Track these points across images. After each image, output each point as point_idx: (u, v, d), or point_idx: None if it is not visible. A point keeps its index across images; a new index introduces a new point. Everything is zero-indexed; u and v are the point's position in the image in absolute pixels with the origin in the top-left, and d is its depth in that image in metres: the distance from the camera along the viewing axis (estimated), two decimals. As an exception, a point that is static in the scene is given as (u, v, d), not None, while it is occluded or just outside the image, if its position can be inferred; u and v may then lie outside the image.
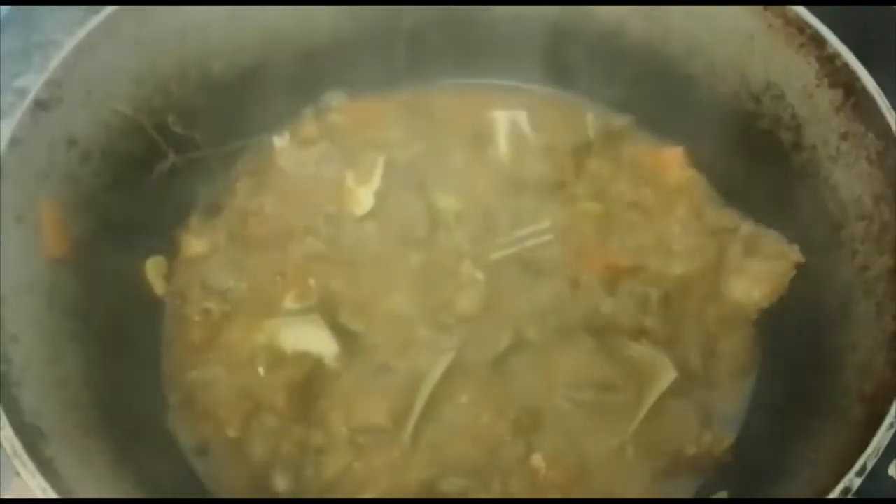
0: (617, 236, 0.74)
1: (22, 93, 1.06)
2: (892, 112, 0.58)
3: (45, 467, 0.46)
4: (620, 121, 0.80)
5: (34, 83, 1.03)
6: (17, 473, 0.44)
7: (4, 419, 0.46)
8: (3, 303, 0.54)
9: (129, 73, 0.69)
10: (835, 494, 0.44)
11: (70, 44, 0.64)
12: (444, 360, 0.66)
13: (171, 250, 0.75)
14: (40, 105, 0.61)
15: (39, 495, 0.44)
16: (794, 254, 0.66)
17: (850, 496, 0.43)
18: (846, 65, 0.62)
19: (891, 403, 0.46)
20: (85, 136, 0.66)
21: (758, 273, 0.68)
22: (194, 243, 0.75)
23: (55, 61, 0.63)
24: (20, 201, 0.59)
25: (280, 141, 0.81)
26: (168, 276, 0.74)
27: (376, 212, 0.76)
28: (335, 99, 0.84)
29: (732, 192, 0.76)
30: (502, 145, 0.80)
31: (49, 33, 1.11)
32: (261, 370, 0.68)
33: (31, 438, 0.47)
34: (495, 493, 0.61)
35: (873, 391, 0.50)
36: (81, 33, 0.64)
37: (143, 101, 0.71)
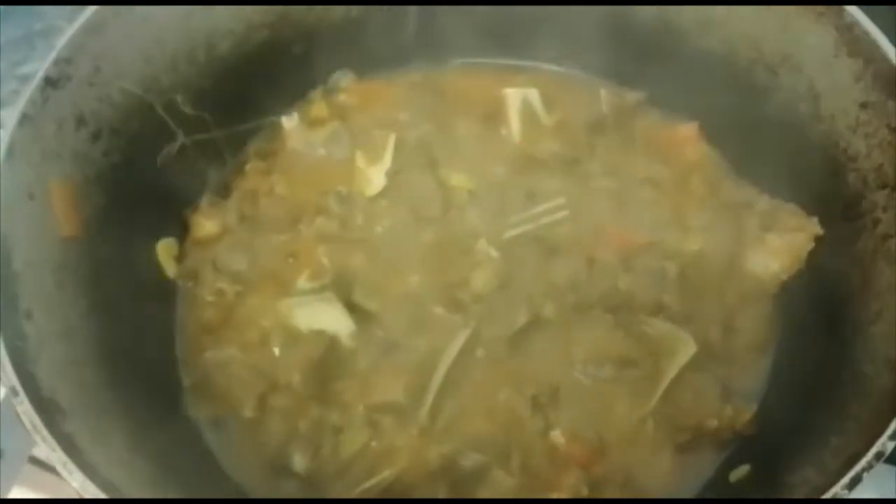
0: (632, 213, 0.73)
1: (25, 80, 1.05)
2: (914, 79, 0.58)
3: (66, 442, 0.45)
4: (634, 96, 0.79)
5: (38, 70, 1.03)
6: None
7: (23, 394, 0.46)
8: (17, 279, 0.54)
9: (138, 52, 0.68)
10: (868, 457, 0.43)
11: (78, 22, 0.63)
12: (461, 338, 0.66)
13: (181, 232, 0.74)
14: (50, 83, 0.61)
15: (58, 468, 0.43)
16: (813, 226, 0.66)
17: (882, 461, 0.43)
18: (866, 33, 0.61)
19: (921, 368, 0.46)
20: (94, 115, 0.65)
21: (776, 246, 0.67)
22: (205, 224, 0.75)
23: (63, 39, 0.62)
24: (31, 179, 0.59)
25: (289, 122, 0.80)
26: (179, 258, 0.74)
27: (388, 191, 0.75)
28: (344, 79, 0.83)
29: (748, 167, 0.75)
30: (514, 123, 0.79)
31: (52, 20, 1.10)
32: (276, 350, 0.67)
33: (50, 414, 0.47)
34: (514, 469, 0.61)
35: (901, 358, 0.49)
36: (89, 11, 0.64)
37: (151, 81, 0.70)
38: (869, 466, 0.43)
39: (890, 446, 0.43)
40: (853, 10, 0.62)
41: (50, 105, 0.61)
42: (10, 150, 0.57)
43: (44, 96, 0.60)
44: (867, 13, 0.62)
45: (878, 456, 0.43)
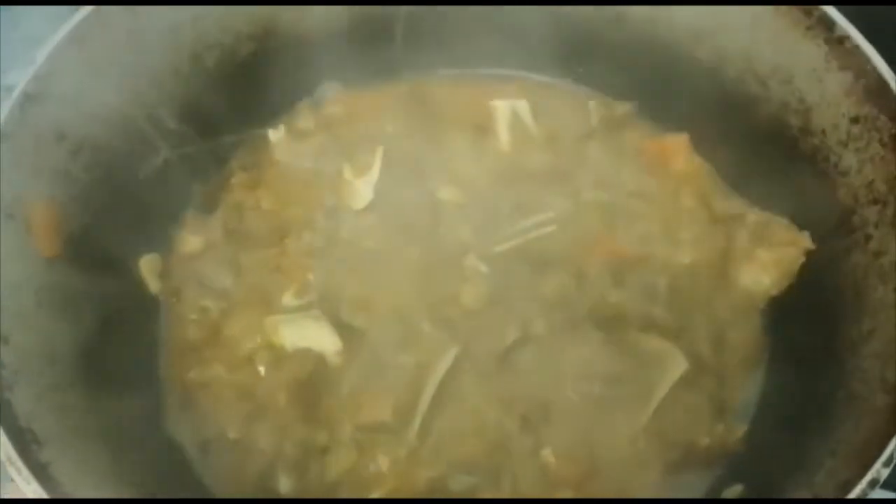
0: (622, 226, 0.73)
1: (8, 90, 1.04)
2: (905, 94, 0.57)
3: (41, 473, 0.44)
4: (623, 108, 0.79)
5: (20, 80, 1.01)
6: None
7: (-3, 425, 0.44)
8: (-6, 302, 0.52)
9: (121, 67, 0.67)
10: (862, 485, 0.42)
11: (59, 35, 0.62)
12: (450, 355, 0.65)
13: (165, 247, 0.73)
14: (29, 98, 0.60)
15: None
16: (804, 240, 0.65)
17: (877, 487, 0.42)
18: (857, 47, 0.61)
19: (915, 391, 0.45)
20: (75, 131, 0.64)
21: (767, 260, 0.67)
22: (189, 240, 0.74)
23: (43, 53, 0.61)
24: (10, 198, 0.57)
25: (275, 134, 0.79)
26: (163, 274, 0.72)
27: (376, 205, 0.74)
28: (331, 91, 0.82)
29: (739, 180, 0.74)
30: (503, 135, 0.78)
31: (33, 29, 1.09)
32: (261, 369, 0.66)
33: (25, 444, 0.45)
34: (505, 491, 0.60)
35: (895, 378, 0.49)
36: (71, 24, 0.63)
37: (135, 95, 0.69)
38: (864, 495, 0.42)
39: (885, 473, 0.43)
40: (844, 24, 0.62)
41: (29, 121, 0.60)
42: (-12, 170, 0.55)
43: (22, 112, 0.59)
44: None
45: (873, 483, 0.42)
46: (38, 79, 0.60)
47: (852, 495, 0.42)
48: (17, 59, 1.04)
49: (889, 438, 0.44)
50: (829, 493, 0.44)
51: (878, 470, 0.43)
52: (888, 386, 0.49)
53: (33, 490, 0.43)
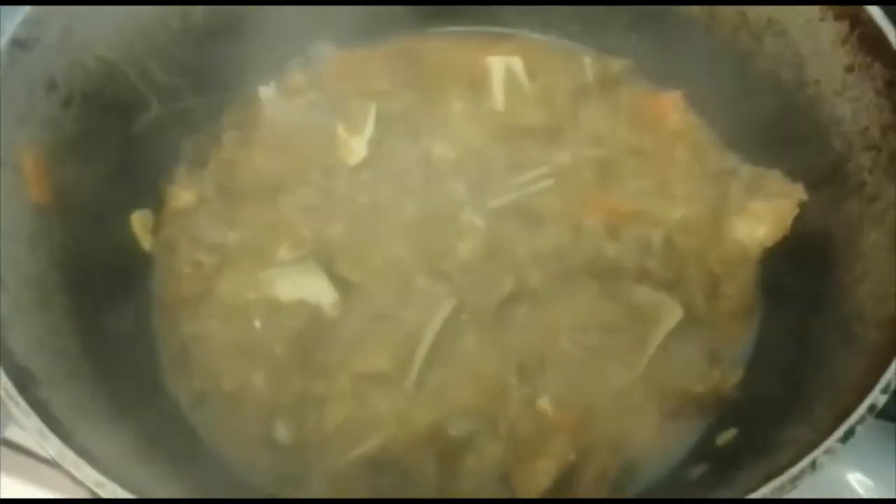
0: (617, 181, 0.73)
1: None
2: (900, 42, 0.57)
3: (40, 409, 0.44)
4: (618, 64, 0.79)
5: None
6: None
7: (-5, 361, 0.44)
8: (-12, 247, 0.52)
9: (110, 17, 0.66)
10: (861, 411, 0.43)
11: (47, -18, 0.61)
12: (446, 308, 0.65)
13: (157, 203, 0.73)
14: (18, 44, 0.58)
15: (36, 441, 0.42)
16: (798, 192, 0.66)
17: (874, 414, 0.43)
18: (851, -5, 0.61)
19: (910, 324, 0.46)
20: (66, 80, 0.63)
21: (760, 212, 0.67)
22: (181, 195, 0.73)
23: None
24: (1, 144, 0.56)
25: (266, 91, 0.78)
26: (155, 230, 0.72)
27: (370, 161, 0.74)
28: (324, 50, 0.81)
29: (733, 134, 0.75)
30: (497, 92, 0.78)
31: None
32: (257, 322, 0.66)
33: (23, 380, 0.45)
34: (502, 436, 0.60)
35: (891, 315, 0.49)
36: (58, -28, 0.61)
37: (125, 47, 0.68)
38: (862, 419, 0.43)
39: (882, 399, 0.43)
40: (839, -27, 0.62)
41: (19, 68, 0.58)
42: (-22, 115, 0.54)
43: (12, 58, 0.58)
44: None
45: (871, 409, 0.43)
46: (27, 24, 0.59)
47: (851, 421, 0.43)
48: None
49: (885, 368, 0.44)
50: (828, 424, 0.44)
51: (877, 396, 0.43)
52: (882, 323, 0.50)
53: (33, 424, 0.42)
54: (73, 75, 0.63)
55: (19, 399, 0.43)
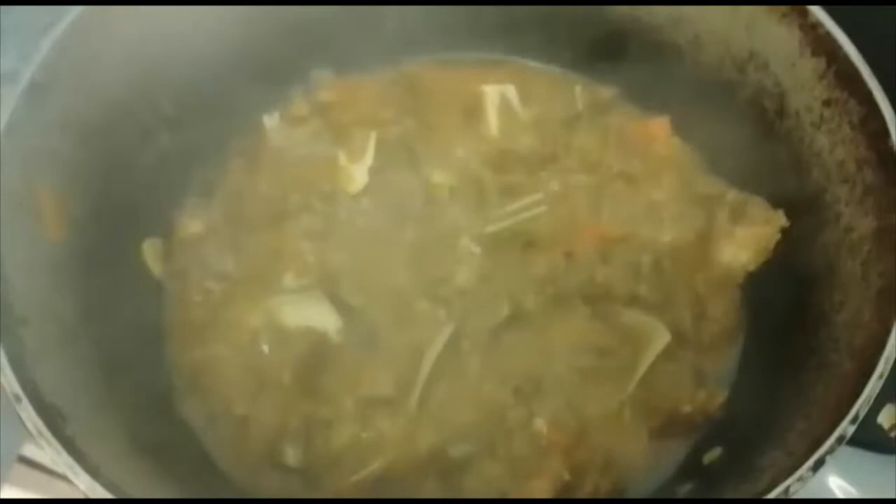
0: (608, 206, 0.76)
1: (5, 77, 1.05)
2: (874, 79, 0.60)
3: (69, 446, 0.47)
4: (608, 92, 0.81)
5: (13, 66, 1.02)
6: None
7: (26, 400, 0.47)
8: (11, 286, 0.54)
9: (120, 55, 0.69)
10: (830, 441, 0.46)
11: (61, 26, 0.63)
12: (446, 332, 0.68)
13: (167, 232, 0.75)
14: (35, 88, 0.61)
15: (66, 473, 0.45)
16: (779, 218, 0.69)
17: (843, 443, 0.46)
18: (828, 33, 0.64)
19: (880, 355, 0.49)
20: (79, 119, 0.65)
21: (744, 238, 0.70)
22: (190, 224, 0.76)
23: (47, 43, 0.63)
24: (19, 186, 0.59)
25: (270, 120, 0.81)
26: (165, 258, 0.75)
27: (371, 188, 0.76)
28: (324, 77, 0.84)
29: (718, 160, 0.78)
30: (492, 119, 0.81)
31: (22, 15, 1.09)
32: (265, 347, 0.69)
33: (52, 417, 0.48)
34: (500, 457, 0.63)
35: (862, 344, 0.52)
36: (72, 15, 0.64)
37: (134, 83, 0.70)
38: (831, 450, 0.46)
39: (850, 430, 0.47)
40: (817, 11, 0.65)
41: (35, 111, 0.61)
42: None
43: (29, 103, 0.61)
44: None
45: (840, 439, 0.46)
46: (43, 68, 0.62)
47: (821, 451, 0.46)
48: (9, 46, 1.06)
49: (855, 398, 0.47)
50: (801, 451, 0.48)
51: (846, 427, 0.46)
52: (855, 352, 0.53)
53: (63, 461, 0.45)
54: (87, 115, 0.66)
55: (50, 437, 0.46)
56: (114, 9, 0.66)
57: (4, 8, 1.08)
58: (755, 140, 0.73)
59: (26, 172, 0.60)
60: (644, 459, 0.65)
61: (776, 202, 0.70)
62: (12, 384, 0.48)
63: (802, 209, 0.67)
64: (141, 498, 0.51)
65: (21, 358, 0.50)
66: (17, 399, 0.47)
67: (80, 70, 0.65)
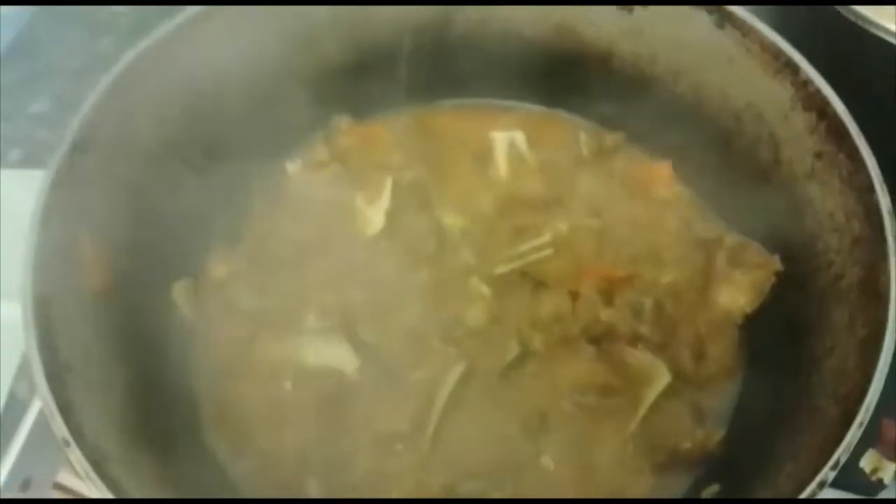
0: (611, 248, 0.80)
1: (35, 118, 1.11)
2: (861, 136, 0.64)
3: (115, 487, 0.51)
4: (612, 138, 0.86)
5: (46, 108, 1.08)
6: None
7: (74, 444, 0.51)
8: (57, 334, 0.59)
9: (154, 111, 0.74)
10: (812, 486, 0.50)
11: (99, 88, 0.68)
12: (457, 370, 0.72)
13: (196, 273, 0.80)
14: (76, 148, 0.66)
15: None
16: (775, 263, 0.72)
17: (825, 487, 0.49)
18: (818, 90, 0.67)
19: (861, 403, 0.52)
20: (117, 173, 0.70)
21: (742, 281, 0.74)
22: (217, 266, 0.80)
23: (87, 104, 0.68)
24: (63, 240, 0.64)
25: (293, 166, 0.86)
26: (194, 299, 0.79)
27: (387, 231, 0.81)
28: (342, 122, 0.89)
29: (718, 205, 0.81)
30: (501, 164, 0.85)
31: (55, 61, 1.16)
32: (287, 385, 0.73)
33: (98, 460, 0.52)
34: (508, 493, 0.67)
35: (846, 392, 0.55)
36: (108, 77, 0.69)
37: (167, 137, 0.75)
38: (813, 494, 0.49)
39: (832, 475, 0.50)
40: (808, 69, 0.69)
41: (77, 169, 0.66)
42: (45, 216, 0.62)
43: (71, 161, 0.66)
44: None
45: (821, 484, 0.50)
46: (83, 129, 0.67)
47: (804, 495, 0.50)
48: (43, 90, 1.12)
49: (837, 445, 0.51)
50: (788, 493, 0.51)
51: (826, 473, 0.50)
52: (840, 399, 0.56)
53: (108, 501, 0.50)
54: (124, 168, 0.71)
55: (97, 479, 0.50)
56: (149, 68, 0.71)
57: (38, 53, 1.15)
58: (752, 186, 0.76)
59: (70, 225, 0.65)
60: (646, 494, 0.68)
61: (772, 247, 0.74)
62: (61, 429, 0.52)
63: (797, 255, 0.71)
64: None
65: (67, 403, 0.55)
66: (66, 443, 0.51)
67: (118, 127, 0.70)
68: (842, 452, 0.50)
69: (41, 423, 0.80)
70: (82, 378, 0.59)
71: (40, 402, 0.79)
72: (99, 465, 0.52)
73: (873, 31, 0.78)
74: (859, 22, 0.78)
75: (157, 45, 0.71)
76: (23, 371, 0.85)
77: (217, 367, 0.76)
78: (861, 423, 0.51)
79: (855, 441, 0.51)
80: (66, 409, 0.54)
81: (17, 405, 0.83)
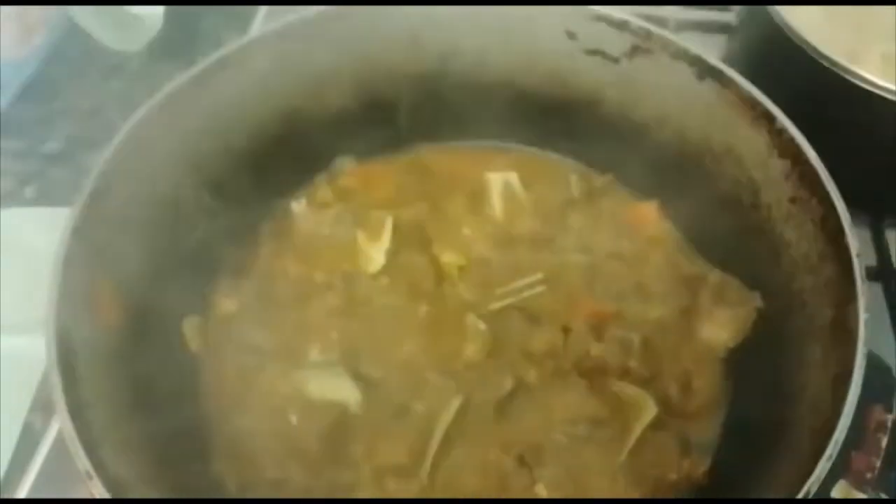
0: (601, 285, 0.84)
1: (48, 157, 1.16)
2: (832, 182, 0.68)
3: (133, 517, 0.55)
4: (601, 180, 0.90)
5: (62, 147, 1.12)
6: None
7: (96, 478, 0.55)
8: (77, 372, 0.63)
9: (168, 158, 0.78)
10: (784, 517, 0.53)
11: (118, 138, 0.73)
12: (455, 404, 0.75)
13: (204, 310, 0.84)
14: (95, 196, 0.70)
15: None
16: (755, 300, 0.76)
17: None
18: (792, 139, 0.72)
19: (831, 437, 0.56)
20: (133, 217, 0.74)
21: (724, 317, 0.78)
22: (225, 303, 0.84)
23: (105, 155, 0.72)
24: (83, 281, 0.68)
25: (298, 206, 0.90)
26: (203, 335, 0.83)
27: (387, 268, 0.85)
28: (345, 164, 0.93)
29: (702, 243, 0.85)
30: (497, 204, 0.90)
31: (68, 102, 1.21)
32: (293, 418, 0.76)
33: (117, 493, 0.56)
34: (503, 521, 0.70)
35: (820, 426, 0.59)
36: (127, 128, 0.73)
37: (179, 181, 0.80)
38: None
39: (801, 508, 0.54)
40: (783, 119, 0.73)
41: (96, 215, 0.70)
42: (67, 260, 0.66)
43: (91, 208, 0.70)
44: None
45: (793, 515, 0.53)
46: (102, 177, 0.71)
47: (777, 525, 0.53)
48: (59, 130, 1.16)
49: (808, 477, 0.54)
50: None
51: (798, 504, 0.54)
52: (813, 433, 0.60)
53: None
54: (139, 212, 0.75)
55: (117, 511, 0.54)
56: (164, 118, 0.76)
57: (52, 94, 1.20)
58: (734, 227, 0.80)
59: (88, 269, 0.69)
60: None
61: (753, 285, 0.78)
62: (84, 463, 0.55)
63: (775, 293, 0.75)
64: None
65: (89, 439, 0.58)
66: (89, 476, 0.55)
67: (134, 174, 0.74)
68: (812, 483, 0.54)
69: (54, 455, 0.84)
70: (100, 413, 0.63)
71: (54, 434, 0.83)
72: (120, 498, 0.55)
73: (849, 78, 0.83)
74: (834, 69, 0.84)
75: (172, 96, 0.76)
76: (37, 403, 0.89)
77: (225, 400, 0.79)
78: (830, 457, 0.55)
79: (824, 474, 0.54)
80: (87, 445, 0.57)
81: (31, 436, 0.86)
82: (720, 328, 0.77)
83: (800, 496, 0.53)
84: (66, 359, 0.62)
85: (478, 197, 0.91)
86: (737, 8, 1.14)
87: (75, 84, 1.21)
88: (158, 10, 1.14)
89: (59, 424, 0.59)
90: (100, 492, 0.54)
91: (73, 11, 1.15)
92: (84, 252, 0.69)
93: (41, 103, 1.19)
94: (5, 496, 0.81)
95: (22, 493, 0.81)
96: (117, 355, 0.70)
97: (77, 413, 0.59)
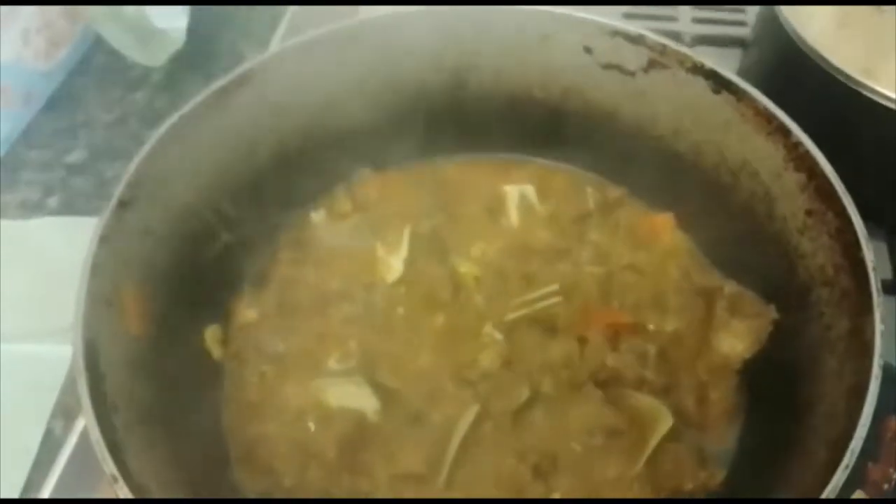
0: (617, 296, 0.84)
1: (72, 168, 1.18)
2: (847, 195, 0.69)
3: (159, 523, 0.56)
4: (616, 192, 0.91)
5: (83, 158, 1.14)
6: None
7: (122, 481, 0.56)
8: (103, 378, 0.64)
9: (190, 169, 0.79)
10: (801, 527, 0.53)
11: (144, 149, 0.74)
12: (471, 413, 0.76)
13: (225, 319, 0.85)
14: (122, 205, 0.72)
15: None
16: (770, 312, 0.76)
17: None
18: (808, 152, 0.72)
19: (847, 448, 0.56)
20: (157, 226, 0.76)
21: (740, 329, 0.78)
22: (246, 312, 0.85)
23: (132, 165, 0.74)
24: (109, 289, 0.69)
25: (317, 216, 0.92)
26: (224, 342, 0.84)
27: (405, 278, 0.86)
28: (364, 175, 0.95)
29: (718, 255, 0.86)
30: (513, 215, 0.91)
31: (91, 114, 1.23)
32: (311, 426, 0.77)
33: (142, 496, 0.57)
34: (520, 530, 0.71)
35: (836, 436, 0.59)
36: (153, 139, 0.75)
37: (202, 191, 0.81)
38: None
39: (818, 517, 0.54)
40: (798, 132, 0.74)
41: (123, 224, 0.71)
42: (93, 268, 0.68)
43: (118, 217, 0.71)
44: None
45: (810, 525, 0.53)
46: (128, 187, 0.73)
47: (793, 535, 0.53)
48: (80, 141, 1.18)
49: (824, 487, 0.55)
50: (780, 533, 0.55)
51: (813, 515, 0.54)
52: (829, 443, 0.60)
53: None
54: (163, 222, 0.77)
55: (142, 514, 0.55)
56: (187, 131, 0.78)
57: (75, 106, 1.22)
58: (749, 239, 0.81)
59: (114, 276, 0.70)
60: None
61: (768, 296, 0.78)
62: (111, 468, 0.57)
63: (791, 305, 0.75)
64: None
65: (115, 443, 0.60)
66: (115, 479, 0.56)
67: (158, 185, 0.76)
68: (828, 493, 0.54)
69: (76, 460, 0.85)
70: (125, 419, 0.64)
71: (75, 440, 0.85)
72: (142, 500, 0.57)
73: (864, 92, 0.84)
74: (849, 83, 0.84)
75: (196, 109, 0.77)
76: (58, 409, 0.91)
77: (244, 408, 0.80)
78: (847, 466, 0.55)
79: (841, 484, 0.55)
80: (113, 449, 0.58)
81: (52, 442, 0.88)
82: (736, 339, 0.78)
83: (817, 506, 0.54)
84: (93, 364, 0.63)
85: (495, 208, 0.92)
86: (752, 22, 1.15)
87: (99, 96, 1.24)
88: (182, 25, 1.16)
89: (85, 428, 0.60)
90: (125, 493, 0.55)
91: (100, 26, 1.18)
92: (111, 260, 0.70)
93: (65, 115, 1.21)
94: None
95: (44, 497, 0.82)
96: (141, 362, 0.72)
97: (103, 417, 0.61)
